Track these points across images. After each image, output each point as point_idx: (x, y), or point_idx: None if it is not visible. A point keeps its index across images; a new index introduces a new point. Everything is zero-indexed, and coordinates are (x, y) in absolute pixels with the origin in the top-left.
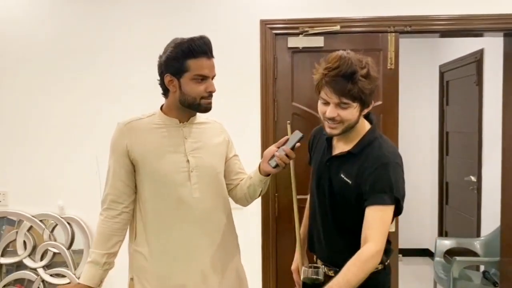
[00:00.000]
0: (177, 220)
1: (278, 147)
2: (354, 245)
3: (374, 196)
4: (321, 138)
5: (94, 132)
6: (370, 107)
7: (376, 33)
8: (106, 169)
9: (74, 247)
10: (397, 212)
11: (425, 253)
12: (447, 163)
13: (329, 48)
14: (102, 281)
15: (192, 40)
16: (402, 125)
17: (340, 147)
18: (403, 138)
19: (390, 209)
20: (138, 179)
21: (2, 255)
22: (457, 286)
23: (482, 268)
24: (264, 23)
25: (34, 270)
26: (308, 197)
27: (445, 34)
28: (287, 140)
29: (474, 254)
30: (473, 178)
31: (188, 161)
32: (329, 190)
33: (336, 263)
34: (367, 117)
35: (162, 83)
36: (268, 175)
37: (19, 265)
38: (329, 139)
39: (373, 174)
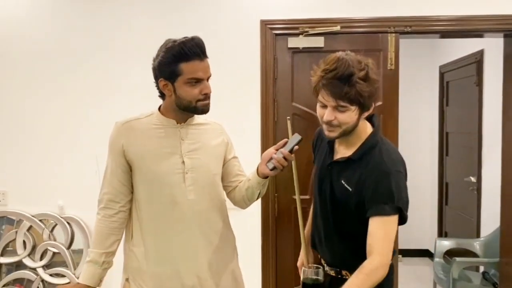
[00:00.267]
0: (172, 222)
1: (277, 149)
2: (354, 249)
3: (375, 207)
4: (324, 139)
5: (93, 131)
6: (371, 110)
7: (376, 34)
8: (104, 168)
9: (73, 246)
10: (402, 221)
11: (425, 253)
12: (447, 164)
13: (329, 48)
14: (101, 280)
15: (183, 43)
16: (402, 126)
17: (341, 152)
18: (403, 139)
19: (393, 219)
20: (134, 179)
21: (2, 255)
22: (457, 287)
23: (481, 268)
24: (264, 23)
25: (33, 269)
26: (310, 196)
27: (445, 34)
28: (286, 142)
29: (474, 254)
30: (473, 179)
31: (183, 162)
32: (330, 195)
33: (337, 264)
34: (370, 119)
35: (158, 86)
36: (266, 177)
37: (19, 265)
38: (331, 142)
39: (374, 183)
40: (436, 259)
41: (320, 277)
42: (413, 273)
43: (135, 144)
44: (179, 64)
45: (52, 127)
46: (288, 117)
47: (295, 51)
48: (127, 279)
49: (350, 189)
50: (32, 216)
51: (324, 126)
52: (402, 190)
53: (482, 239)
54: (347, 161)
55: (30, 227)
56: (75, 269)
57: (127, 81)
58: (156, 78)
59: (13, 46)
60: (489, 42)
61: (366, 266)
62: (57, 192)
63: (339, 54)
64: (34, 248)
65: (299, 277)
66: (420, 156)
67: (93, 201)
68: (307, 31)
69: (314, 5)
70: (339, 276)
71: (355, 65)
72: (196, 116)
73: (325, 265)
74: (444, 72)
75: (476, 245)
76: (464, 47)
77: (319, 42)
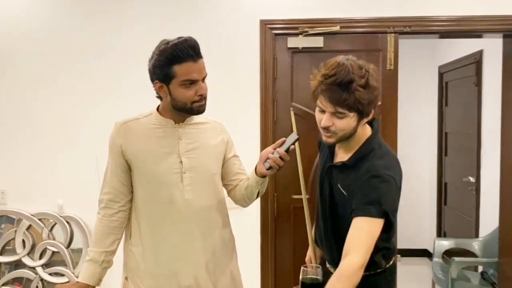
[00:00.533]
0: (169, 221)
1: (275, 149)
2: None
3: (361, 208)
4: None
5: (93, 131)
6: (370, 117)
7: (376, 34)
8: (104, 168)
9: (73, 246)
10: (388, 227)
11: (424, 253)
12: (446, 164)
13: (329, 48)
14: (100, 279)
15: (175, 45)
16: (401, 126)
17: (340, 155)
18: (402, 139)
19: (378, 222)
20: (133, 179)
21: (1, 254)
22: (455, 287)
23: (480, 268)
24: (264, 23)
25: (33, 268)
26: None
27: (444, 35)
28: (284, 142)
29: (473, 254)
30: (471, 179)
31: (181, 162)
32: (329, 198)
33: (336, 263)
34: (370, 123)
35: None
36: (264, 176)
37: (18, 264)
38: (332, 146)
39: (362, 186)
40: (435, 259)
41: (319, 277)
42: (412, 273)
43: (134, 144)
44: (173, 67)
45: (51, 126)
46: (292, 108)
47: (295, 51)
48: (126, 278)
49: (345, 194)
50: (32, 215)
51: (322, 132)
52: (391, 195)
53: (480, 239)
54: (343, 165)
55: (30, 226)
56: (74, 268)
57: (126, 81)
58: (152, 80)
59: (13, 46)
60: (488, 42)
61: (348, 267)
62: (56, 191)
63: (340, 58)
64: (33, 247)
65: (298, 277)
66: (419, 156)
67: (92, 201)
68: (306, 31)
69: (313, 5)
70: None
71: (355, 71)
72: (193, 115)
73: (327, 262)
74: (443, 73)
75: (474, 245)
76: (463, 47)
77: (318, 42)
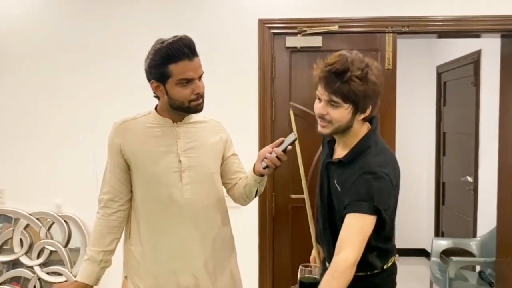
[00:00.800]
0: (168, 221)
1: (273, 148)
2: None
3: (352, 204)
4: (326, 141)
5: (91, 130)
6: (368, 113)
7: (374, 34)
8: (104, 168)
9: (70, 245)
10: (380, 225)
11: (422, 253)
12: (444, 164)
13: (327, 48)
14: (99, 279)
15: (170, 44)
16: (400, 126)
17: (338, 152)
18: (400, 138)
19: (369, 219)
20: (132, 178)
21: None
22: (453, 286)
23: (478, 268)
24: (262, 23)
25: (30, 268)
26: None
27: (442, 35)
28: (282, 141)
29: (470, 254)
30: (469, 179)
31: (180, 161)
32: (327, 194)
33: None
34: (370, 121)
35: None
36: (262, 175)
37: (16, 263)
38: (332, 143)
39: (355, 183)
40: (433, 259)
41: (318, 276)
42: (409, 273)
43: (132, 144)
44: (168, 66)
45: (50, 126)
46: (291, 107)
47: (293, 50)
48: (126, 277)
49: (339, 189)
50: (29, 214)
51: (318, 122)
52: (383, 192)
53: (478, 238)
54: (339, 162)
55: (27, 225)
56: (72, 267)
57: (125, 81)
58: (148, 80)
59: (11, 45)
60: (487, 42)
61: (341, 263)
62: (54, 191)
63: (344, 51)
64: (31, 246)
65: (296, 276)
66: (417, 156)
67: (90, 200)
68: (305, 31)
69: (312, 5)
70: None
71: (354, 62)
72: (192, 114)
73: (326, 262)
74: (441, 72)
75: (472, 245)
76: (461, 47)
77: (317, 41)
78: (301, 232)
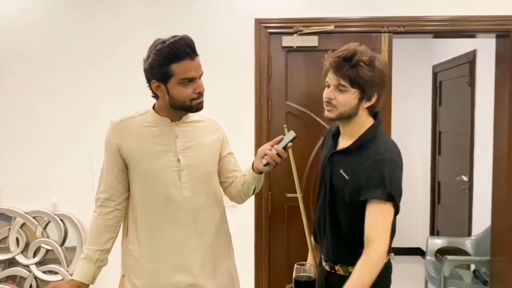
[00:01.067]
0: (167, 219)
1: (272, 146)
2: (345, 243)
3: (369, 191)
4: (332, 134)
5: (87, 129)
6: (373, 101)
7: (370, 33)
8: (101, 167)
9: (67, 244)
10: (395, 210)
11: (417, 252)
12: (440, 163)
13: (323, 47)
14: (95, 278)
15: (172, 44)
16: (395, 125)
17: (342, 143)
18: (396, 138)
19: (388, 207)
20: (130, 177)
21: None
22: (448, 285)
23: (472, 267)
24: (258, 22)
25: (26, 267)
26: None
27: (438, 35)
28: (282, 139)
29: (465, 253)
30: (464, 178)
31: (178, 160)
32: (329, 185)
33: (331, 258)
34: (375, 116)
35: (150, 88)
36: (261, 172)
37: (12, 262)
38: (336, 136)
39: (368, 170)
40: (428, 257)
41: (312, 275)
42: (405, 271)
43: (130, 143)
44: (171, 65)
45: (45, 125)
46: (285, 125)
47: (289, 50)
48: (123, 276)
49: (347, 178)
50: (26, 213)
51: (325, 107)
52: (394, 178)
53: (473, 237)
54: (346, 150)
55: (23, 224)
56: (68, 266)
57: (121, 81)
58: (148, 80)
59: (7, 45)
60: (482, 42)
61: (373, 254)
62: (50, 189)
63: (352, 43)
64: (27, 245)
65: (292, 275)
66: (413, 155)
67: (86, 199)
68: (301, 30)
69: (308, 5)
70: (333, 271)
71: (362, 50)
72: (190, 113)
73: (323, 260)
74: (437, 72)
75: (467, 244)
76: (457, 47)
77: (313, 41)
78: (297, 231)
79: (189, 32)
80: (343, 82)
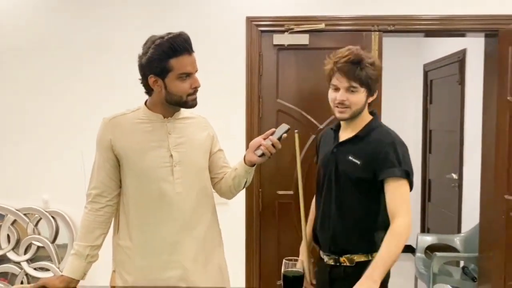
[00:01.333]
0: (159, 215)
1: (264, 138)
2: (352, 229)
3: (386, 170)
4: (327, 135)
5: (79, 127)
6: (375, 96)
7: (360, 32)
8: (92, 163)
9: (58, 241)
10: (409, 187)
11: (407, 249)
12: (430, 161)
13: (314, 46)
14: (85, 273)
15: (172, 38)
16: (386, 123)
17: (345, 136)
18: None
19: (404, 183)
20: (122, 173)
21: None
22: (437, 281)
23: (461, 263)
24: (249, 20)
25: (17, 263)
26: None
27: (428, 34)
28: (274, 132)
29: (454, 250)
30: (454, 176)
31: (171, 156)
32: (335, 174)
33: (336, 250)
34: (371, 113)
35: (145, 84)
36: (253, 165)
37: (3, 259)
38: (336, 132)
39: (383, 152)
40: (418, 254)
41: (301, 270)
42: (395, 268)
43: (122, 139)
44: (170, 60)
45: (37, 121)
46: (296, 131)
47: (280, 48)
48: (114, 271)
49: (358, 162)
50: (17, 210)
51: (336, 109)
52: (407, 157)
53: (462, 234)
54: (354, 138)
55: (14, 221)
56: (59, 263)
57: (112, 77)
58: (145, 75)
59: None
60: (472, 41)
61: (398, 227)
62: (42, 186)
63: (348, 46)
64: (18, 242)
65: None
66: None
67: (78, 196)
68: (292, 29)
69: (299, 3)
70: (338, 264)
71: (363, 53)
72: (182, 110)
73: (324, 256)
74: (428, 71)
75: (456, 241)
76: (447, 46)
77: (304, 39)
78: (287, 228)
79: (181, 29)
80: (354, 84)
